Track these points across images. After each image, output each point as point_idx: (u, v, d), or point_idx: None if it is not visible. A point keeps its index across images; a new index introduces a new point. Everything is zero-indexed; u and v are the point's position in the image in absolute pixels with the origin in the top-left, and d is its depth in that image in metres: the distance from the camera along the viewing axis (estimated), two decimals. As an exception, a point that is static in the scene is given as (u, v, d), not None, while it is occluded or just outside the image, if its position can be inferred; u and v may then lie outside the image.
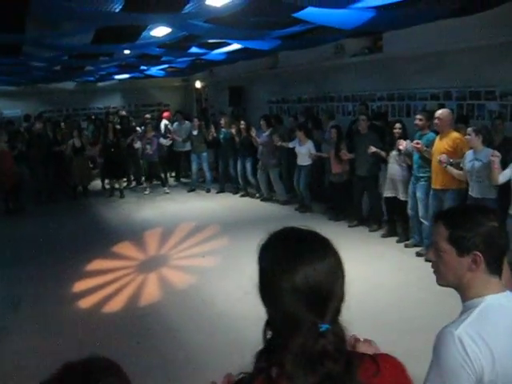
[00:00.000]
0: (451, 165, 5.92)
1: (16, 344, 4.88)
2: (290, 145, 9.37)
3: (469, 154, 5.79)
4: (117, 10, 5.57)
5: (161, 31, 7.32)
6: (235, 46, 9.00)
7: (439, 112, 6.26)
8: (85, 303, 5.80)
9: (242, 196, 11.08)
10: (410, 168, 6.87)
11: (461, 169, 5.89)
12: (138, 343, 4.74)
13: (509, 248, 1.55)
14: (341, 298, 1.14)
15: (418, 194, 6.62)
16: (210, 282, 6.21)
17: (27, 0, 4.95)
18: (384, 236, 7.52)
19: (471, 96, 7.79)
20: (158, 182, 12.06)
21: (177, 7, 5.65)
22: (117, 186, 11.77)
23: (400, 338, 4.26)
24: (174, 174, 13.74)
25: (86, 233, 8.72)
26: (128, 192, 12.11)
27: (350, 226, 7.99)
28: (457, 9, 5.79)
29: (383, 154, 7.31)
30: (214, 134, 11.35)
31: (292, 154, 9.40)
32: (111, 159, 11.38)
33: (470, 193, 5.81)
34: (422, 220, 6.66)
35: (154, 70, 13.57)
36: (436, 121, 6.20)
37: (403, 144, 6.81)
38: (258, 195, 10.76)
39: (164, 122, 13.98)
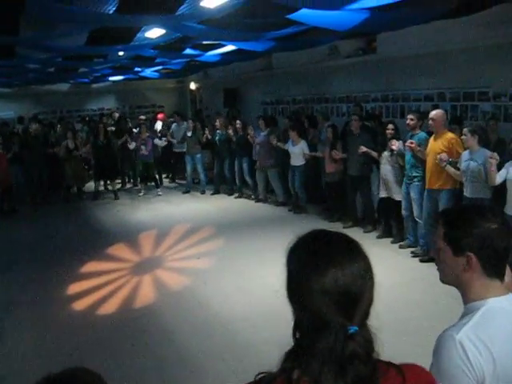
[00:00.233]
0: (450, 164, 5.95)
1: (11, 347, 4.85)
2: (286, 146, 9.36)
3: (465, 154, 5.84)
4: (111, 12, 5.56)
5: (155, 33, 7.33)
6: (229, 48, 9.00)
7: (433, 113, 6.29)
8: (79, 305, 5.77)
9: (237, 197, 11.08)
10: (402, 168, 6.90)
11: (458, 169, 5.93)
12: (133, 345, 4.72)
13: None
14: (370, 302, 1.15)
15: (412, 194, 6.64)
16: (205, 284, 6.19)
17: (22, 1, 4.93)
18: (379, 237, 7.54)
19: (465, 97, 7.83)
20: (153, 184, 12.04)
21: (171, 9, 5.65)
22: (110, 187, 11.73)
23: (395, 340, 4.25)
24: (170, 176, 13.71)
25: (80, 235, 8.69)
26: (122, 194, 12.09)
27: (344, 227, 7.99)
28: (450, 10, 5.82)
29: (374, 153, 7.35)
30: (209, 137, 11.35)
31: (286, 155, 9.40)
32: (102, 161, 11.34)
33: (464, 193, 5.84)
34: (417, 219, 6.68)
35: (149, 72, 13.55)
36: (430, 121, 6.23)
37: (396, 144, 6.84)
38: (253, 196, 10.76)
39: (159, 123, 13.97)
